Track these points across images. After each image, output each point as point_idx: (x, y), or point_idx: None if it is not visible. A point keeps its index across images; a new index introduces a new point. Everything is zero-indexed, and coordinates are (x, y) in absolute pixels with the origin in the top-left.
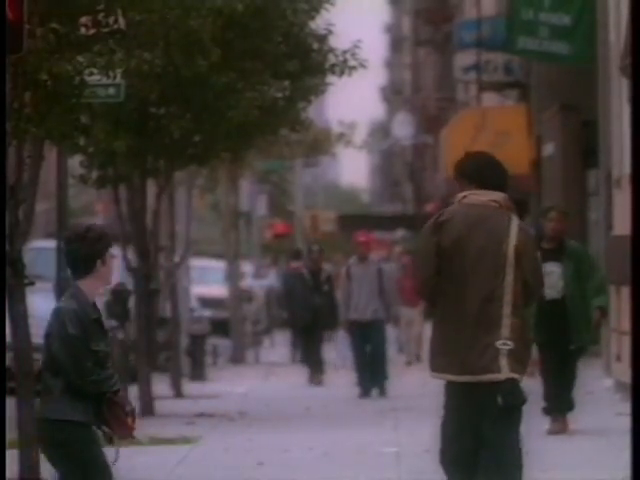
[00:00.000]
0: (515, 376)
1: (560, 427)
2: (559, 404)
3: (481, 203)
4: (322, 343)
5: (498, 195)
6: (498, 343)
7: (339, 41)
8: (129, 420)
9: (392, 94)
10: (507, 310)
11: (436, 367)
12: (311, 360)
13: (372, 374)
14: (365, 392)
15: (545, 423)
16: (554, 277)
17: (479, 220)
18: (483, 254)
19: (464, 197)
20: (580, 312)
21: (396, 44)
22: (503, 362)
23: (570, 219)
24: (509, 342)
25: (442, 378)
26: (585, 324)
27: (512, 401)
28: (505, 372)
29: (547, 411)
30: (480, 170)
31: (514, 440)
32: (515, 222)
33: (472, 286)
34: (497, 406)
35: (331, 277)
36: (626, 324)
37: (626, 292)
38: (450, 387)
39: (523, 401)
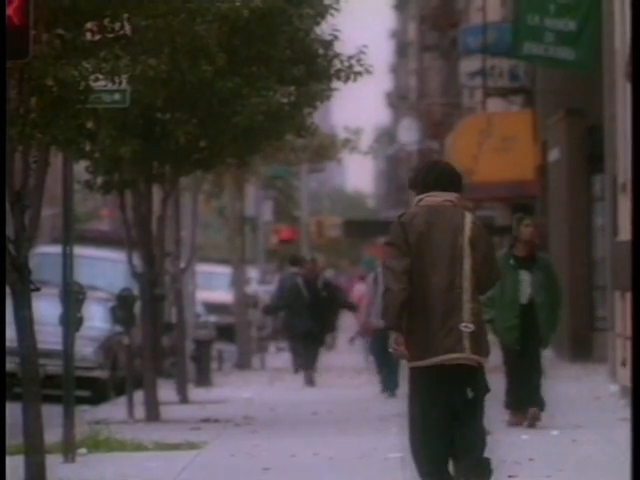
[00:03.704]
0: (476, 358)
1: (519, 420)
2: (529, 401)
3: (437, 203)
4: (320, 348)
5: (451, 195)
6: (461, 325)
7: (345, 47)
8: None
9: (397, 100)
10: (467, 296)
11: (409, 357)
12: (308, 363)
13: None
14: (391, 392)
15: (551, 428)
16: (524, 285)
17: (437, 218)
18: (442, 247)
19: (420, 200)
20: (545, 317)
21: (401, 50)
22: (466, 344)
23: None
24: (470, 325)
25: (412, 366)
26: (548, 329)
27: (480, 393)
28: (467, 353)
29: (507, 405)
30: (437, 179)
31: (482, 431)
32: (469, 217)
33: (435, 277)
34: (466, 398)
35: (329, 283)
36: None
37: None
38: (419, 376)
39: (488, 391)
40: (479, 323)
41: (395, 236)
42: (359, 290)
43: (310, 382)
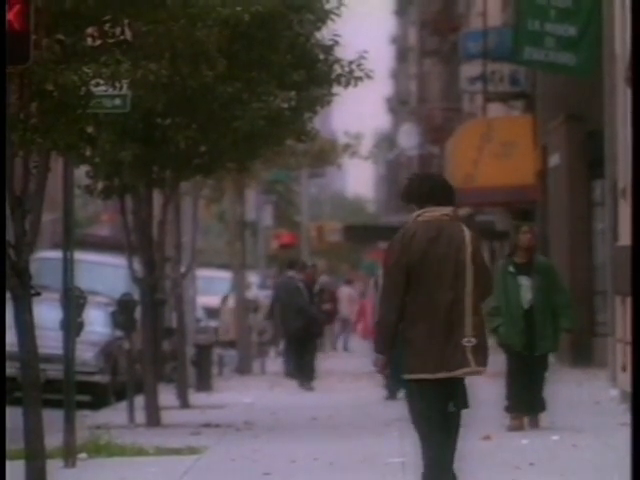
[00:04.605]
0: (481, 369)
1: (519, 425)
2: (531, 405)
3: (435, 218)
4: (316, 352)
5: (447, 209)
6: (464, 341)
7: (345, 52)
8: None
9: (398, 105)
10: (468, 310)
11: (411, 369)
12: (304, 368)
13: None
14: (392, 395)
15: (551, 432)
16: (524, 290)
17: (437, 233)
18: (445, 261)
19: (418, 215)
20: (545, 321)
21: (402, 55)
22: (470, 357)
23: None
24: (472, 339)
25: (418, 378)
26: (550, 332)
27: (463, 406)
28: (473, 366)
29: (508, 409)
30: (431, 191)
31: (455, 446)
32: (467, 231)
33: (439, 291)
34: (448, 411)
35: (323, 290)
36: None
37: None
38: (422, 388)
39: (467, 407)
40: (481, 335)
41: (395, 258)
42: (344, 292)
43: (308, 388)
